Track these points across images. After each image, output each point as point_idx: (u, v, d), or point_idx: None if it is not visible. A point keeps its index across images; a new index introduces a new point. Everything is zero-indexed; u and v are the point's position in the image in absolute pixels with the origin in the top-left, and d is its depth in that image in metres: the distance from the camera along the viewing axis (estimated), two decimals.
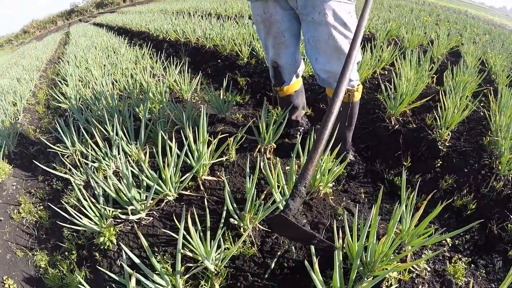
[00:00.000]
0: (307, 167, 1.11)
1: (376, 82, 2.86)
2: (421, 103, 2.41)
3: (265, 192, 1.37)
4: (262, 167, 1.42)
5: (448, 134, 2.18)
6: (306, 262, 1.04)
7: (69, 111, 3.04)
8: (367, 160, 2.30)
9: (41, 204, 2.38)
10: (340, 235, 1.13)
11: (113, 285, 1.24)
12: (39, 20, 55.35)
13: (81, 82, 3.68)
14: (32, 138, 3.30)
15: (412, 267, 1.21)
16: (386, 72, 3.06)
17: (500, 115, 2.08)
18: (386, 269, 1.08)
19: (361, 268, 1.12)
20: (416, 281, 1.21)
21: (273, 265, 1.22)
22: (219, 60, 4.01)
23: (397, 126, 2.35)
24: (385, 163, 2.20)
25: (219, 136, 1.77)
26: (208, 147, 1.68)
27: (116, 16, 15.00)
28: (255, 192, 1.32)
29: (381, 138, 2.37)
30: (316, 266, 1.03)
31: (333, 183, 1.70)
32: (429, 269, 1.27)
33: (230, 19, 5.72)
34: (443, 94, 2.25)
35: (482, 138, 2.12)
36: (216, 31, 4.59)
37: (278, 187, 1.38)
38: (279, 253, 1.25)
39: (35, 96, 4.77)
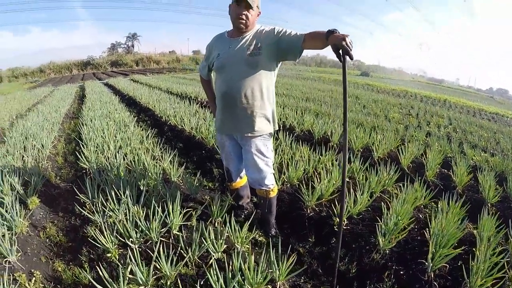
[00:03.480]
0: None
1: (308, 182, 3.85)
2: (331, 197, 3.47)
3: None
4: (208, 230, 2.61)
5: (344, 221, 3.10)
6: None
7: (88, 170, 4.22)
8: (286, 235, 3.21)
9: (60, 232, 3.44)
10: None
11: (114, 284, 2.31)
12: (57, 64, 58.81)
13: (97, 148, 4.86)
14: (53, 183, 4.31)
15: None
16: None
17: (389, 210, 3.01)
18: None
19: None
20: None
21: None
22: (203, 151, 5.19)
23: (311, 214, 3.35)
24: (298, 239, 3.17)
25: (186, 210, 3.01)
26: (180, 214, 2.88)
27: (129, 84, 16.81)
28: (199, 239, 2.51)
29: (299, 222, 3.33)
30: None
31: (251, 246, 2.85)
32: None
33: None
34: (350, 189, 3.36)
35: (376, 225, 2.91)
36: (205, 126, 5.80)
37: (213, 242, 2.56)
38: None
39: (55, 147, 5.91)
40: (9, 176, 3.83)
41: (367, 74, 58.33)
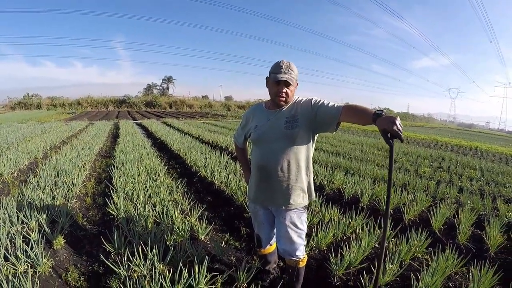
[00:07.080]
0: None
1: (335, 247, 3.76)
2: (360, 266, 3.35)
3: None
4: None
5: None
6: None
7: (116, 217, 4.23)
8: None
9: (82, 277, 3.36)
10: None
11: None
12: (94, 99, 62.47)
13: (127, 195, 4.90)
14: (79, 224, 4.33)
15: None
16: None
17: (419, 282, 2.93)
18: None
19: None
20: None
21: None
22: (231, 208, 5.06)
23: (338, 283, 3.21)
24: None
25: (212, 274, 2.94)
26: (205, 278, 2.82)
27: (161, 127, 17.37)
28: None
29: None
30: None
31: None
32: None
33: None
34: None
35: None
36: (235, 181, 5.73)
37: None
38: None
39: (85, 186, 5.99)
40: (37, 212, 3.90)
41: None
